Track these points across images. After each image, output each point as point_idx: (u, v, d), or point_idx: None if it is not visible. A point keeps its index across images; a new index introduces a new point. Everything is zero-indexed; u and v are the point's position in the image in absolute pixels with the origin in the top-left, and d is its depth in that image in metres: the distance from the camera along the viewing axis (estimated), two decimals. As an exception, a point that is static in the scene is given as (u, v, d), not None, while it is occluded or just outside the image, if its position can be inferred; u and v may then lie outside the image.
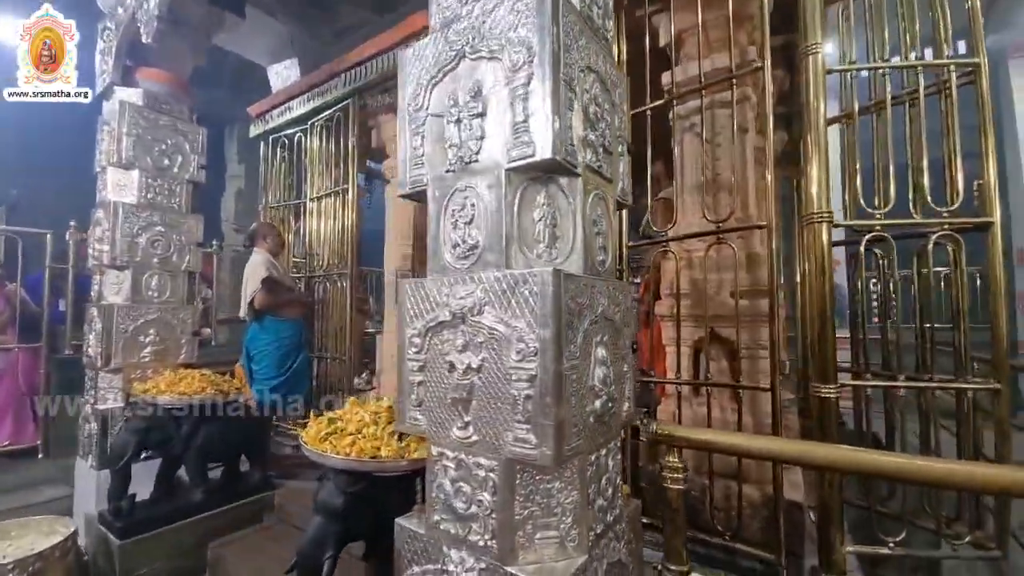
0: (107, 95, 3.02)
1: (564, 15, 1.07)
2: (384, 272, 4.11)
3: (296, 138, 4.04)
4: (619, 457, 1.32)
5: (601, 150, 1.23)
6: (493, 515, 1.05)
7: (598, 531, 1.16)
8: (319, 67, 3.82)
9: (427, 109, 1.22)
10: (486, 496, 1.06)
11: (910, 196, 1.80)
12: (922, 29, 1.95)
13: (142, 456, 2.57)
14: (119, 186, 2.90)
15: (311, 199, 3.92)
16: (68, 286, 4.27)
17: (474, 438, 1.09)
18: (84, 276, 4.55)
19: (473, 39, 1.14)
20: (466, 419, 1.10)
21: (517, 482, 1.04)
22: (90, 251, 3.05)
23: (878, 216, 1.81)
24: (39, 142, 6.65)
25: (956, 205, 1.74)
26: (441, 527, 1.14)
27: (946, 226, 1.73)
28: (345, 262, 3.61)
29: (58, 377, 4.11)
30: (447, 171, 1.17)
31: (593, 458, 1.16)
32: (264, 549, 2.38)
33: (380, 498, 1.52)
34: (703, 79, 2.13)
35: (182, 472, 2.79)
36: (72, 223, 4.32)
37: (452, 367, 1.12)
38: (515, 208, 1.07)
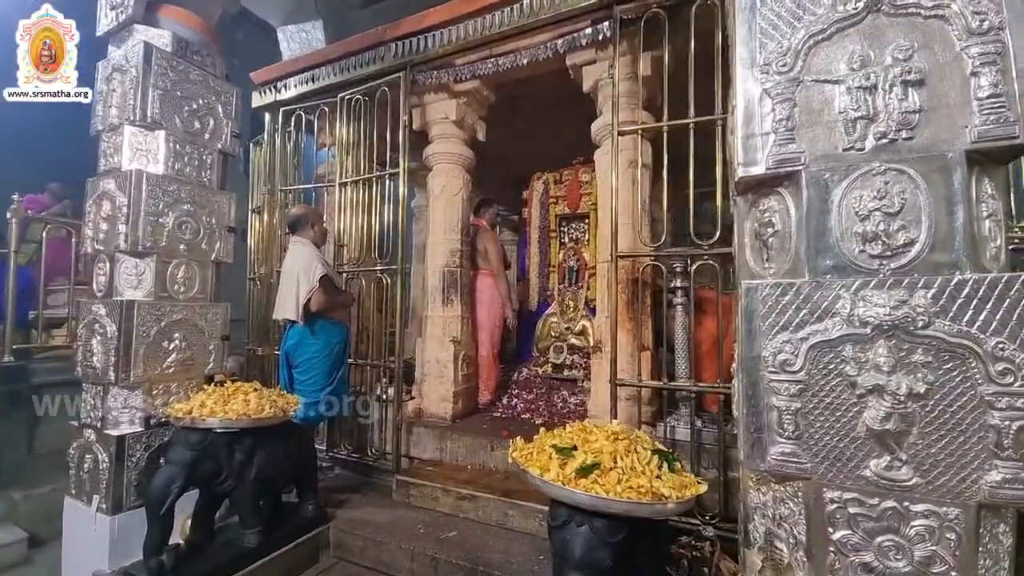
0: (120, 36, 2.37)
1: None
2: (427, 269, 3.70)
3: (318, 112, 3.51)
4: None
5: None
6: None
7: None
8: (345, 33, 3.32)
9: (802, 72, 0.99)
10: (939, 552, 0.86)
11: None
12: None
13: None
14: (140, 151, 2.27)
15: (340, 184, 3.42)
16: (9, 277, 3.35)
17: (915, 480, 0.88)
18: (20, 266, 3.64)
19: (896, -10, 0.94)
20: (900, 456, 0.89)
21: (981, 531, 0.85)
22: (86, 231, 2.37)
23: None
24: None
25: None
26: (857, 592, 0.92)
27: None
28: (390, 257, 3.17)
29: (-4, 391, 3.23)
30: (848, 149, 0.95)
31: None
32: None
33: (639, 547, 1.24)
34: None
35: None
36: (15, 196, 3.42)
37: (874, 391, 0.90)
38: (973, 199, 0.88)
